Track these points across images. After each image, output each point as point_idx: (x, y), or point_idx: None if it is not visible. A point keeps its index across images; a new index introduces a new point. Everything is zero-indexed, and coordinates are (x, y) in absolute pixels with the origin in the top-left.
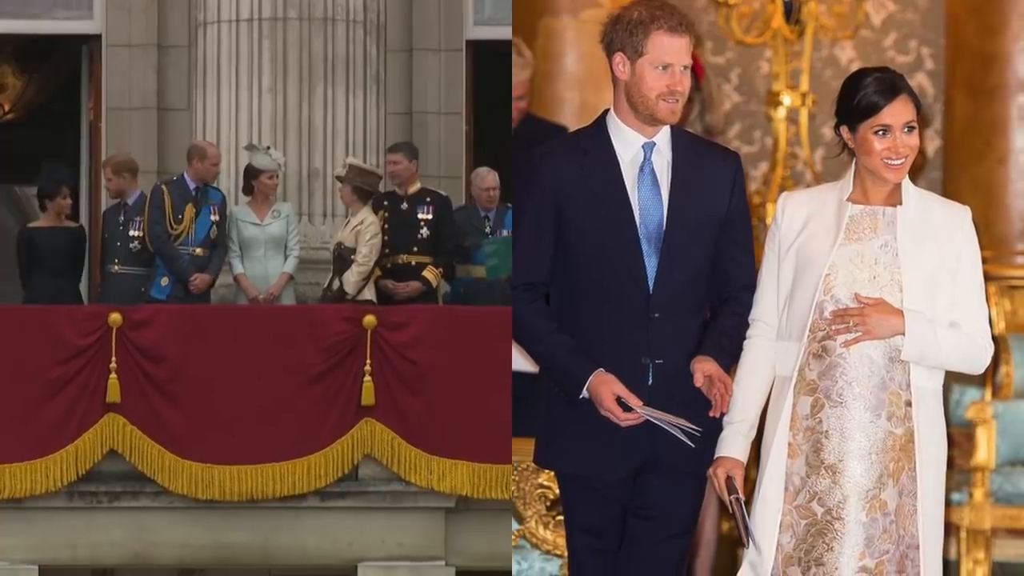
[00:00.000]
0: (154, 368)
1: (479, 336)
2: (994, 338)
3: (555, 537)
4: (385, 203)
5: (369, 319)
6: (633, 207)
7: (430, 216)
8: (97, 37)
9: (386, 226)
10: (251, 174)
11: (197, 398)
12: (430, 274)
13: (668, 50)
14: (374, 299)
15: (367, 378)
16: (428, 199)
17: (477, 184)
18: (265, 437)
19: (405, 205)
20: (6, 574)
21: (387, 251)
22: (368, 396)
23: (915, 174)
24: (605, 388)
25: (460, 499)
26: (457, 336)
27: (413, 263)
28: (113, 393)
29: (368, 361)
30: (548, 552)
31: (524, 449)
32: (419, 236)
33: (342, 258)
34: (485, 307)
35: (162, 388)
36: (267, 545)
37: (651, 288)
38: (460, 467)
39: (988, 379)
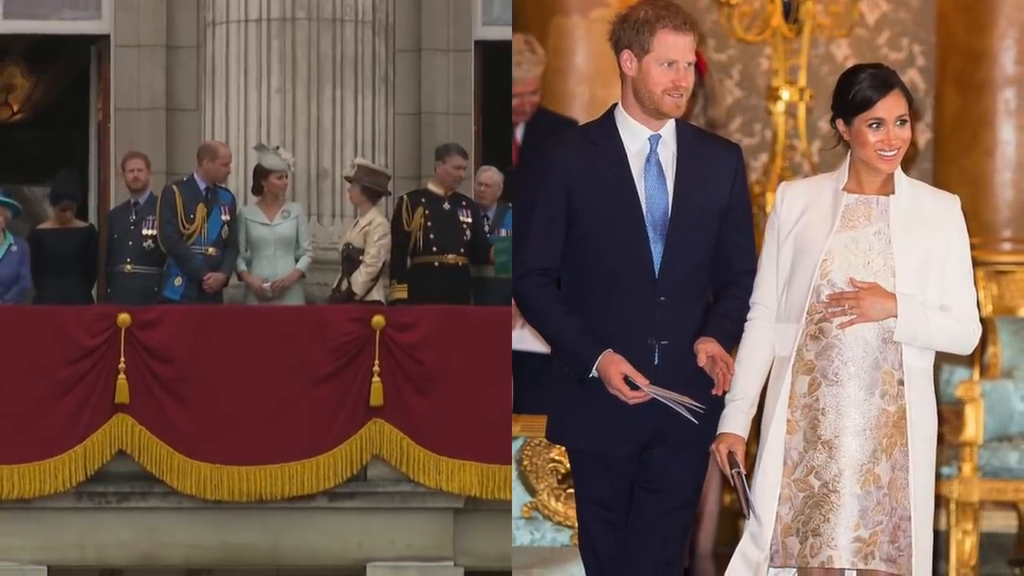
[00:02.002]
0: (163, 368)
1: (488, 336)
2: (982, 320)
3: (566, 509)
4: (423, 200)
5: (377, 319)
6: (640, 197)
7: (470, 219)
8: (105, 37)
9: (429, 224)
10: (260, 174)
11: (206, 398)
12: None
13: (673, 47)
14: (383, 299)
15: (375, 378)
16: (464, 202)
17: (476, 179)
18: (274, 437)
19: (447, 206)
20: (15, 574)
21: (434, 249)
22: (377, 396)
23: (907, 165)
24: (613, 368)
25: (469, 499)
26: (465, 336)
27: (460, 264)
28: (122, 393)
29: (376, 361)
30: (559, 523)
31: (536, 425)
32: (464, 238)
33: (351, 259)
34: (494, 307)
35: (171, 388)
36: (276, 546)
37: (657, 273)
38: (468, 467)
39: (976, 359)
